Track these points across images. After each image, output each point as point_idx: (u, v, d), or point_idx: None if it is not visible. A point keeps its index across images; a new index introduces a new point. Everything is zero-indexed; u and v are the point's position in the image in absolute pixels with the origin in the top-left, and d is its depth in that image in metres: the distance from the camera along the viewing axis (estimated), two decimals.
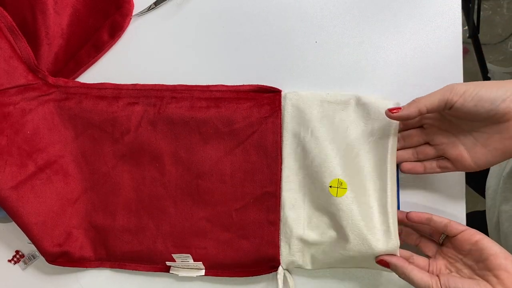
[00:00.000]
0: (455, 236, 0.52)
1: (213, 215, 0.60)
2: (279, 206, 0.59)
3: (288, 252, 0.58)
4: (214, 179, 0.60)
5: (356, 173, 0.57)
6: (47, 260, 0.61)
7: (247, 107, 0.59)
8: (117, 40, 0.63)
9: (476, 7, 1.21)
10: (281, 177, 0.59)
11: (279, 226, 0.59)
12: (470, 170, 0.52)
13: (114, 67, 0.63)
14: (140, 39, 0.63)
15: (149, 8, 0.63)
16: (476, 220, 0.74)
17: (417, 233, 0.57)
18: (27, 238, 0.64)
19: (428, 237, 0.57)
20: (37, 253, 0.64)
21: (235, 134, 0.59)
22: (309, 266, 0.59)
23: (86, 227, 0.62)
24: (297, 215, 0.58)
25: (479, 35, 1.24)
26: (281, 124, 0.58)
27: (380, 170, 0.56)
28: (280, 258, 0.59)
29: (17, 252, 0.65)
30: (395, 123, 0.55)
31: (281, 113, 0.58)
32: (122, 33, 0.63)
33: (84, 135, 0.61)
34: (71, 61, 0.62)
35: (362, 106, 0.57)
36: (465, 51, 1.42)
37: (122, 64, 0.63)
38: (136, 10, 0.63)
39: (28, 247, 0.65)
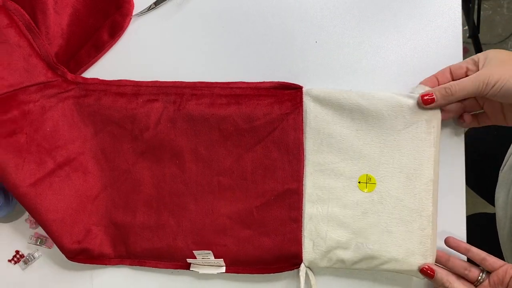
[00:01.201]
0: (493, 271, 0.53)
1: (233, 212, 0.60)
2: (302, 203, 0.59)
3: (312, 250, 0.58)
4: (235, 176, 0.60)
5: (386, 166, 0.57)
6: (66, 257, 0.61)
7: (268, 104, 0.58)
8: (117, 40, 0.63)
9: (476, 7, 1.21)
10: (303, 173, 0.58)
11: (302, 223, 0.59)
12: (503, 124, 0.56)
13: (114, 67, 0.63)
14: (140, 39, 0.63)
15: (149, 8, 0.63)
16: (479, 222, 0.73)
17: (453, 274, 0.57)
18: (27, 238, 0.64)
19: (463, 277, 0.57)
20: (37, 253, 0.64)
21: (255, 130, 0.59)
22: (332, 264, 0.58)
23: (106, 224, 0.62)
24: (321, 212, 0.58)
25: (479, 35, 1.24)
26: (302, 120, 0.58)
27: (414, 160, 0.56)
28: (303, 256, 0.58)
29: (17, 252, 0.65)
30: (434, 115, 0.56)
31: (302, 109, 0.58)
32: (122, 33, 0.63)
33: (103, 132, 0.61)
34: (71, 61, 0.62)
35: (390, 97, 0.56)
36: (465, 51, 1.42)
37: (122, 64, 0.63)
38: (136, 10, 0.63)
39: (28, 247, 0.65)
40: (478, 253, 0.55)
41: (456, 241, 0.56)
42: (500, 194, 0.68)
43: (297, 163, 0.58)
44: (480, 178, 0.78)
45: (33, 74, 0.59)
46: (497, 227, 0.68)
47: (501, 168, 0.69)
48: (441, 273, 0.54)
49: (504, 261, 0.54)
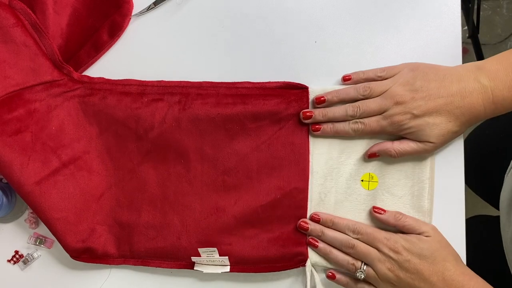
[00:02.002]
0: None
1: (238, 211, 0.60)
2: (307, 202, 0.59)
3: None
4: (240, 175, 0.60)
5: (387, 164, 0.58)
6: (71, 256, 0.61)
7: (274, 104, 0.58)
8: (117, 40, 0.63)
9: (476, 7, 1.21)
10: (309, 173, 0.59)
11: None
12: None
13: (113, 67, 0.63)
14: (140, 39, 0.63)
15: (149, 8, 0.63)
16: (479, 224, 0.73)
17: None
18: (26, 238, 0.64)
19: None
20: (37, 253, 0.64)
21: (261, 130, 0.59)
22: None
23: (110, 224, 0.62)
24: (326, 211, 0.59)
25: (478, 35, 1.24)
26: None
27: (412, 160, 0.57)
28: (309, 253, 0.59)
29: (16, 252, 0.65)
30: None
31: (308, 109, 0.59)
32: (122, 33, 0.63)
33: (108, 131, 0.61)
34: (71, 61, 0.62)
35: None
36: (465, 51, 1.42)
37: (122, 64, 0.63)
38: (135, 10, 0.63)
39: (27, 247, 0.65)
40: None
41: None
42: (504, 198, 0.67)
43: (303, 162, 0.59)
44: (483, 180, 0.78)
45: (39, 73, 0.59)
46: (501, 232, 0.67)
47: (506, 172, 0.69)
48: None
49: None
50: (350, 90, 0.56)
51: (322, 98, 0.57)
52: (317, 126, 0.58)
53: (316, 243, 0.58)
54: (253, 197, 0.59)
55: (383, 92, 0.55)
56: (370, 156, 0.57)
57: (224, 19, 0.62)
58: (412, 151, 0.55)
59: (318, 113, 0.57)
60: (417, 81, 0.53)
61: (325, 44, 0.61)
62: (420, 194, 0.58)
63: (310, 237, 0.59)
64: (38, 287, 0.65)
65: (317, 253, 0.59)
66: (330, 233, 0.57)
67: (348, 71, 0.60)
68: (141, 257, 0.62)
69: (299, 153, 0.59)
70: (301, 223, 0.58)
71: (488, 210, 0.81)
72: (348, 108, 0.56)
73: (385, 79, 0.56)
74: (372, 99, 0.55)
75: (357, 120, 0.56)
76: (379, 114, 0.55)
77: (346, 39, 0.60)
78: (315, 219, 0.58)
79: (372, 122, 0.55)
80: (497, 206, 0.71)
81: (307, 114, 0.58)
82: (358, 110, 0.55)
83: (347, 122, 0.56)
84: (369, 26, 0.60)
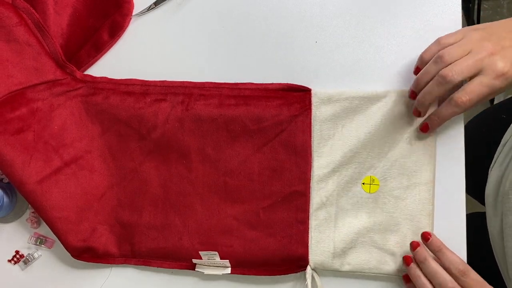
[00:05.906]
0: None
1: (240, 213, 0.60)
2: (309, 205, 0.59)
3: (319, 252, 0.58)
4: (242, 177, 0.59)
5: (389, 168, 0.58)
6: (72, 255, 0.61)
7: (277, 105, 0.58)
8: (117, 40, 0.63)
9: (476, 7, 1.21)
10: (311, 176, 0.59)
11: (308, 225, 0.59)
12: None
13: (114, 67, 0.63)
14: (140, 39, 0.63)
15: (149, 8, 0.63)
16: (477, 222, 0.73)
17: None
18: (27, 238, 0.64)
19: None
20: (37, 253, 0.64)
21: (263, 132, 0.59)
22: (339, 267, 0.58)
23: (111, 223, 0.62)
24: (327, 214, 0.59)
25: None
26: (311, 122, 0.58)
27: (415, 163, 0.57)
28: (309, 258, 0.58)
29: (17, 252, 0.65)
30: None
31: (311, 112, 0.58)
32: (122, 33, 0.63)
33: (111, 131, 0.61)
34: (71, 61, 0.62)
35: (397, 101, 0.57)
36: None
37: (122, 64, 0.63)
38: (136, 10, 0.63)
39: (28, 247, 0.65)
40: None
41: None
42: (490, 191, 0.67)
43: (304, 165, 0.58)
44: (470, 178, 0.78)
45: (42, 72, 0.60)
46: (488, 226, 0.67)
47: (490, 166, 0.69)
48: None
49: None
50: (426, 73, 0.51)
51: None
52: (423, 127, 0.55)
53: (409, 262, 0.54)
54: (255, 199, 0.59)
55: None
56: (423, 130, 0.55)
57: (225, 19, 0.62)
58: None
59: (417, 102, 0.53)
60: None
61: (325, 44, 0.61)
62: (423, 197, 0.57)
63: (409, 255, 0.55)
64: (39, 287, 0.65)
65: (407, 272, 0.56)
66: (433, 264, 0.52)
67: (348, 71, 0.60)
68: (142, 257, 0.62)
69: (300, 156, 0.58)
70: (413, 242, 0.55)
71: (479, 209, 0.81)
72: (430, 66, 0.50)
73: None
74: (451, 47, 0.50)
75: (454, 94, 0.49)
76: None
77: (346, 39, 0.61)
78: (425, 237, 0.54)
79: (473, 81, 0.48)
80: (483, 202, 0.71)
81: None
82: (442, 59, 0.49)
83: (448, 102, 0.51)
84: (369, 26, 0.60)
